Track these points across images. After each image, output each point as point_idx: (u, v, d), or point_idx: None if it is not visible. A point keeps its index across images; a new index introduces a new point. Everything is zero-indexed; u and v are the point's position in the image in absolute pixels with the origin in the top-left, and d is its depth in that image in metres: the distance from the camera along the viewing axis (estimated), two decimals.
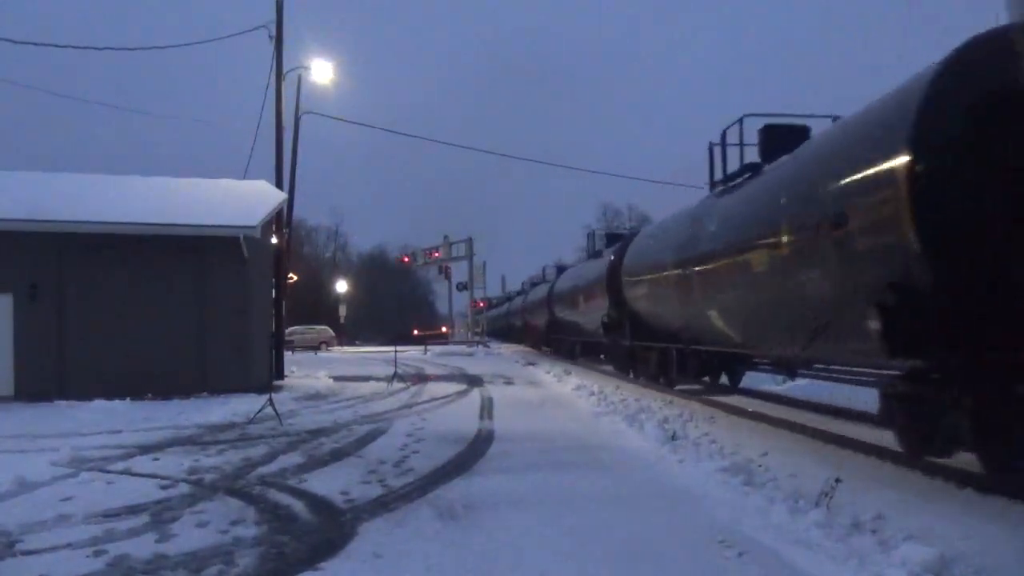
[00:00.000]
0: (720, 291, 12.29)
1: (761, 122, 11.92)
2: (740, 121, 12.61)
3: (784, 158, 10.71)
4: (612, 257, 20.76)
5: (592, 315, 23.53)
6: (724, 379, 16.82)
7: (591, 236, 29.13)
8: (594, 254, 26.89)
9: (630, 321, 18.60)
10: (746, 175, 12.28)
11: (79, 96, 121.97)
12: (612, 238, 25.97)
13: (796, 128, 11.28)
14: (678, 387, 16.49)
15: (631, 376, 20.15)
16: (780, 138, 11.16)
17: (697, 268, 13.25)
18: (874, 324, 7.21)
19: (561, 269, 37.99)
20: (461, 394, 16.66)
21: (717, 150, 13.61)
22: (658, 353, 17.41)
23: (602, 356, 28.18)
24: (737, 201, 12.03)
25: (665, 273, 15.30)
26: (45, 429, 11.29)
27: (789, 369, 13.67)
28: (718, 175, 13.67)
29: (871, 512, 5.72)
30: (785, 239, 9.45)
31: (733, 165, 13.06)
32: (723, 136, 13.16)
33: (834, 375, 15.46)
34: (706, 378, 16.82)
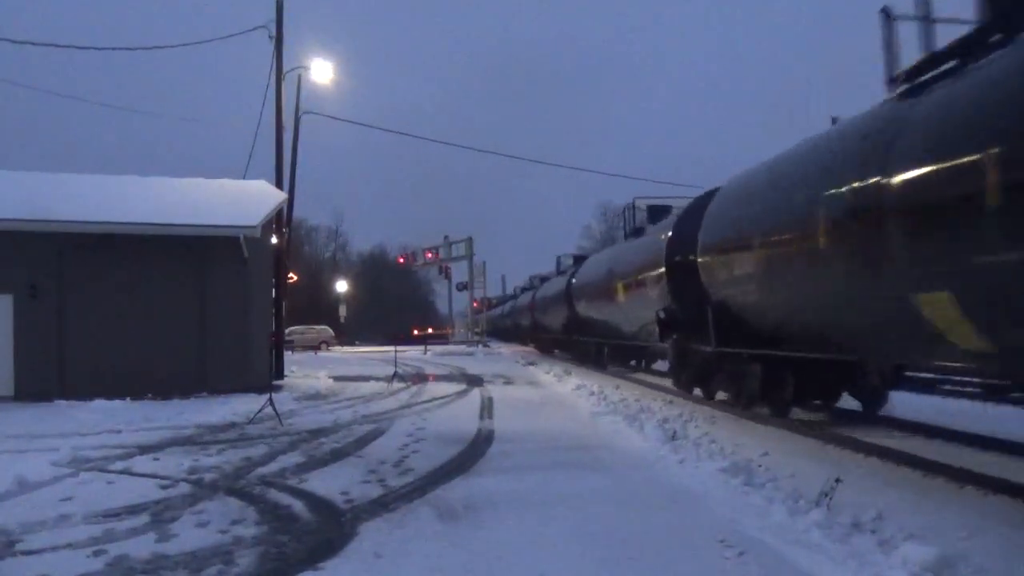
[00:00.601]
0: (973, 256, 6.24)
1: None
2: None
3: None
4: (670, 233, 15.25)
5: (637, 311, 17.93)
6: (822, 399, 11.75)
7: (628, 209, 21.99)
8: (633, 232, 20.90)
9: (714, 317, 12.29)
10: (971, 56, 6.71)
11: (79, 96, 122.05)
12: (657, 211, 19.69)
13: None
14: (794, 416, 11.49)
15: (699, 394, 14.71)
16: None
17: (900, 221, 7.07)
18: None
19: (580, 258, 32.05)
20: (461, 394, 16.65)
21: (904, 28, 7.77)
22: (764, 366, 11.42)
23: (633, 362, 24.49)
24: (990, 91, 6.27)
25: (801, 241, 9.12)
26: (45, 429, 11.28)
27: None
28: (904, 62, 7.76)
29: (871, 512, 5.72)
30: None
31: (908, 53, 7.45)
32: None
33: None
34: (817, 400, 11.81)
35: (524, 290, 52.37)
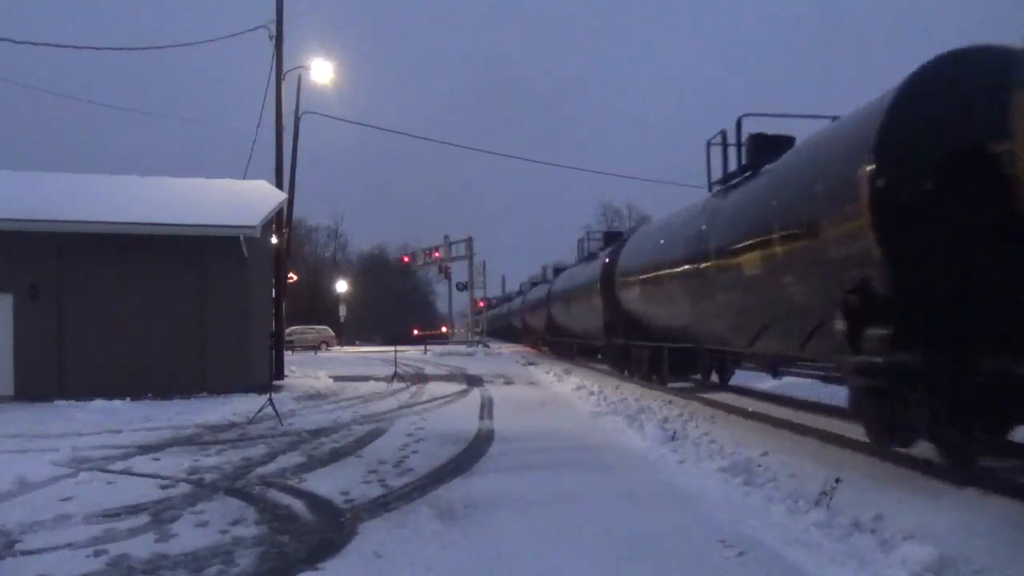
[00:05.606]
0: None
1: None
2: None
3: None
4: (874, 165, 7.40)
5: (760, 296, 10.76)
6: None
7: (714, 144, 13.25)
8: (726, 179, 12.92)
9: None
10: None
11: (79, 96, 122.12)
12: (769, 143, 11.66)
13: None
14: None
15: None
16: None
17: None
18: None
19: (614, 235, 26.04)
20: (461, 394, 16.65)
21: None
22: None
23: (698, 375, 17.32)
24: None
25: None
26: (45, 429, 11.28)
27: None
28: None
29: (871, 512, 5.71)
30: None
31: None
32: None
33: None
34: None
35: (534, 284, 46.00)
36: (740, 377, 16.44)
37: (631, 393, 15.89)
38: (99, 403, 14.10)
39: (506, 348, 46.05)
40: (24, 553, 5.17)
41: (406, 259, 60.51)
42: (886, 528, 5.37)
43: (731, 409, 12.95)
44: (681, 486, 7.02)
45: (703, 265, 12.77)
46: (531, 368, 26.33)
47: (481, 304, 56.80)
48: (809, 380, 11.79)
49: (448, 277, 58.41)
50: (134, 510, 6.31)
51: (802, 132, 10.92)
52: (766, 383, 15.47)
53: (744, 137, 12.24)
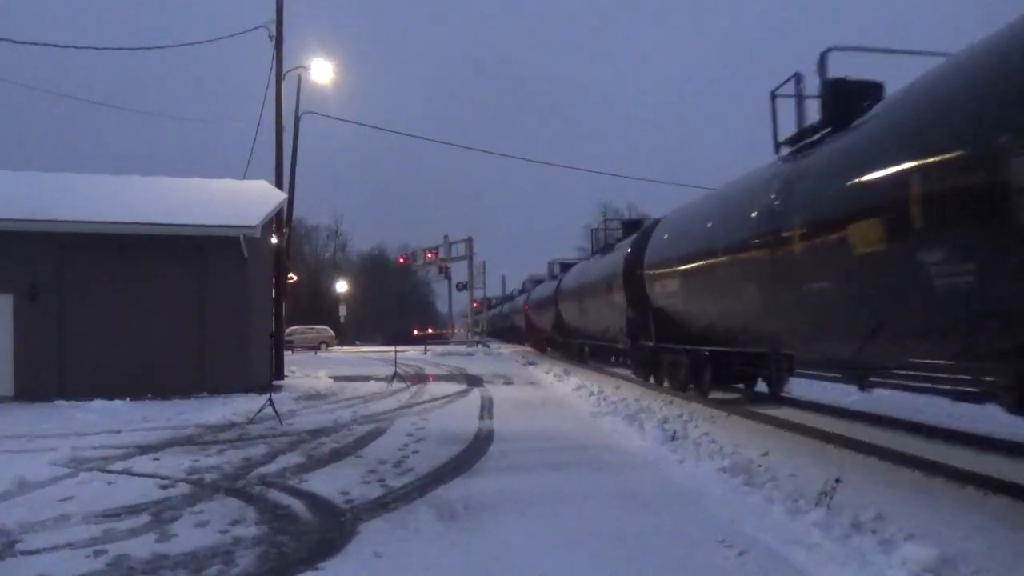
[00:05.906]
0: None
1: None
2: None
3: None
4: None
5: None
6: None
7: (795, 90, 10.39)
8: (800, 136, 10.41)
9: None
10: None
11: (79, 96, 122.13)
12: (849, 91, 9.29)
13: None
14: None
15: None
16: None
17: None
18: None
19: (634, 223, 22.54)
20: (461, 394, 16.65)
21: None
22: None
23: (741, 384, 14.95)
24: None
25: None
26: (45, 429, 11.28)
27: None
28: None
29: (871, 512, 5.71)
30: None
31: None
32: None
33: None
34: None
35: (538, 282, 43.88)
36: (793, 386, 13.91)
37: (631, 393, 15.90)
38: (99, 403, 14.10)
39: (506, 348, 46.06)
40: (24, 553, 5.17)
41: (405, 259, 60.44)
42: (886, 528, 5.37)
43: (732, 409, 12.94)
44: (681, 486, 7.02)
45: (778, 247, 9.98)
46: (531, 368, 26.33)
47: (476, 304, 56.66)
48: (906, 392, 9.25)
49: (448, 277, 58.39)
50: (134, 510, 6.31)
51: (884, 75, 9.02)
52: (828, 394, 13.30)
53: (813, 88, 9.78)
